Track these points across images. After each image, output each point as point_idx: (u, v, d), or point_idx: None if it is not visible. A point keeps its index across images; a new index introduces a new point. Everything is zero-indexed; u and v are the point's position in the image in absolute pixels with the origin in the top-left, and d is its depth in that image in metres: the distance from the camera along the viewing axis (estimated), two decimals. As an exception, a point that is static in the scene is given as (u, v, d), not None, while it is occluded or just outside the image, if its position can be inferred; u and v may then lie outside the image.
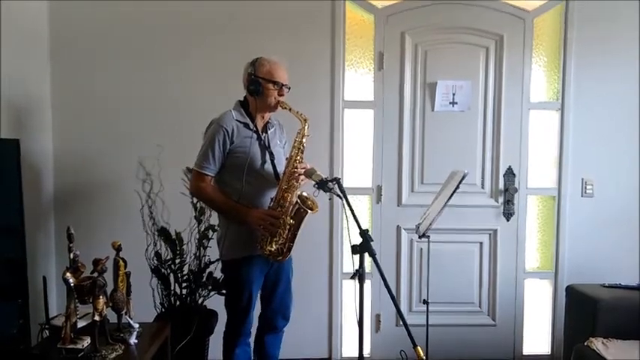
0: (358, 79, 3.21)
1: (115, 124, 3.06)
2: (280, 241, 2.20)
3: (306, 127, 2.24)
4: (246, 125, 2.25)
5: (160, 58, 3.06)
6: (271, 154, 2.29)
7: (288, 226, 2.19)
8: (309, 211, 2.18)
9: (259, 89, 2.22)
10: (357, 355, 2.03)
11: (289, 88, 2.30)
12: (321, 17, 3.10)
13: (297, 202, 2.18)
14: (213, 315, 2.79)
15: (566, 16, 3.16)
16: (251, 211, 2.20)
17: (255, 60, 2.26)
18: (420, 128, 3.21)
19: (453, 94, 3.17)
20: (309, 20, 3.10)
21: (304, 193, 2.22)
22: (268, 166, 2.28)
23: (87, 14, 3.02)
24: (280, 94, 2.25)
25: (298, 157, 2.21)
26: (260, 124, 2.31)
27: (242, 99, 2.32)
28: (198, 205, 2.71)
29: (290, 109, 2.23)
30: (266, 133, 2.32)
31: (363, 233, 1.91)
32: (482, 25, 3.17)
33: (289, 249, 2.23)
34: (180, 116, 3.05)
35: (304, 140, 2.23)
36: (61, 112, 3.03)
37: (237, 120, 2.23)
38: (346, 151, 3.20)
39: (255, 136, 2.25)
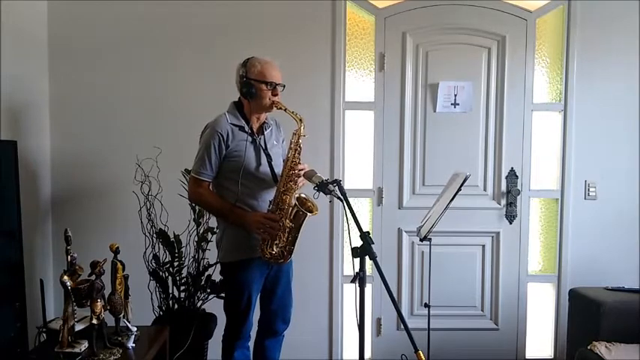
0: (359, 80, 3.19)
1: (113, 125, 3.05)
2: (281, 244, 2.18)
3: (302, 127, 2.19)
4: (241, 128, 2.22)
5: (158, 59, 3.04)
6: (268, 156, 2.26)
7: (287, 229, 2.16)
8: (309, 213, 2.15)
9: (252, 91, 2.18)
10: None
11: (283, 87, 2.26)
12: (322, 18, 3.08)
13: (295, 204, 2.16)
14: (211, 318, 2.77)
15: (569, 17, 3.14)
16: (250, 215, 2.18)
17: (246, 61, 2.22)
18: (422, 129, 3.18)
19: (455, 95, 3.15)
20: (309, 21, 3.09)
21: (303, 195, 2.19)
22: (265, 168, 2.25)
23: (86, 15, 3.01)
24: (274, 94, 2.21)
25: (295, 159, 2.18)
26: (255, 126, 2.27)
27: (237, 100, 2.30)
28: (196, 207, 2.69)
29: (285, 109, 2.18)
30: (262, 134, 2.29)
31: (364, 236, 1.88)
32: (484, 25, 3.15)
33: (290, 252, 2.21)
34: (179, 118, 3.03)
35: (300, 141, 2.19)
36: (59, 113, 3.02)
37: (231, 123, 2.20)
38: (347, 153, 3.18)
39: (250, 138, 2.23)
